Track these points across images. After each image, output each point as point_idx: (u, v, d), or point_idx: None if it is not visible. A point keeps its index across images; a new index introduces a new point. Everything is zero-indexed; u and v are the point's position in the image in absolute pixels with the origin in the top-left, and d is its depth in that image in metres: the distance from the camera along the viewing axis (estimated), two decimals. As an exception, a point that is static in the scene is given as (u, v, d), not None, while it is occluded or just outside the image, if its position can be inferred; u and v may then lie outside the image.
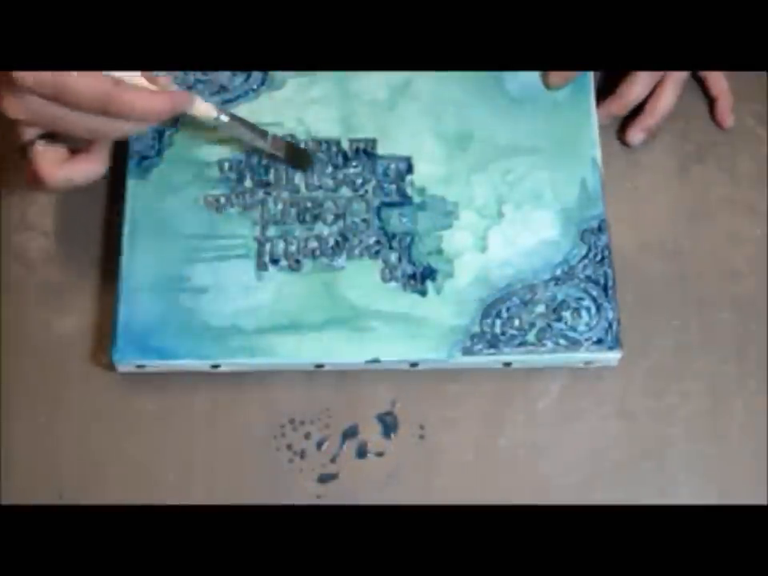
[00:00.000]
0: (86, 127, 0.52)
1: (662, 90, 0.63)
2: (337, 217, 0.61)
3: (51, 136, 0.54)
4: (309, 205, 0.61)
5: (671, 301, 0.61)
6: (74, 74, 0.50)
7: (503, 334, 0.58)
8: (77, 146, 0.55)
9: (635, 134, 0.64)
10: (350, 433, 0.59)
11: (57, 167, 0.54)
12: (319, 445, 0.58)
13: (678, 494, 0.57)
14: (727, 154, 0.65)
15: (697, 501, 0.57)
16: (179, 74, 0.62)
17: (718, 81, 0.65)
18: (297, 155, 0.61)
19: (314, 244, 0.60)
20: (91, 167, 0.55)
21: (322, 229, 0.60)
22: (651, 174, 0.64)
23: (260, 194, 0.61)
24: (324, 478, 0.58)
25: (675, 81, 0.63)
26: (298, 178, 0.62)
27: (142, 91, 0.52)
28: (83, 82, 0.50)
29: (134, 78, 0.53)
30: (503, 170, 0.61)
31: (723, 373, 0.60)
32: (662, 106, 0.63)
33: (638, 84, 0.63)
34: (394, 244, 0.60)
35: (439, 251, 0.60)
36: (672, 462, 0.58)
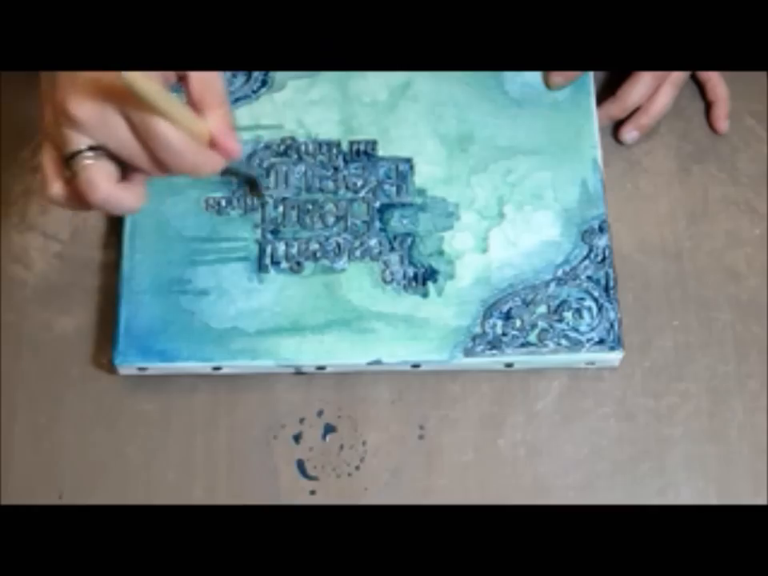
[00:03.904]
0: (147, 162, 0.50)
1: (658, 91, 0.63)
2: (338, 219, 0.61)
3: (98, 151, 0.50)
4: (309, 207, 0.61)
5: (671, 301, 0.61)
6: (164, 124, 0.48)
7: (505, 334, 0.58)
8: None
9: (629, 132, 0.64)
10: (350, 433, 0.59)
11: (111, 184, 0.50)
12: (319, 445, 0.58)
13: (678, 494, 0.57)
14: (727, 154, 0.65)
15: (697, 501, 0.57)
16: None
17: (716, 86, 0.65)
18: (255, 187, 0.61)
19: (314, 246, 0.60)
20: (138, 196, 0.52)
21: (322, 231, 0.60)
22: (651, 174, 0.64)
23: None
24: (324, 478, 0.58)
25: (672, 82, 0.63)
26: (299, 180, 0.62)
27: (208, 152, 0.50)
28: (173, 135, 0.48)
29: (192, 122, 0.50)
30: (504, 170, 0.61)
31: (723, 373, 0.60)
32: (657, 106, 0.63)
33: (638, 87, 0.63)
34: (395, 245, 0.60)
35: (440, 252, 0.60)
36: (672, 462, 0.58)
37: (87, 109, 0.48)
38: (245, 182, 0.61)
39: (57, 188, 0.51)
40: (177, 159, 0.49)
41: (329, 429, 0.59)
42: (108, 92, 0.48)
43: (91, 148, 0.49)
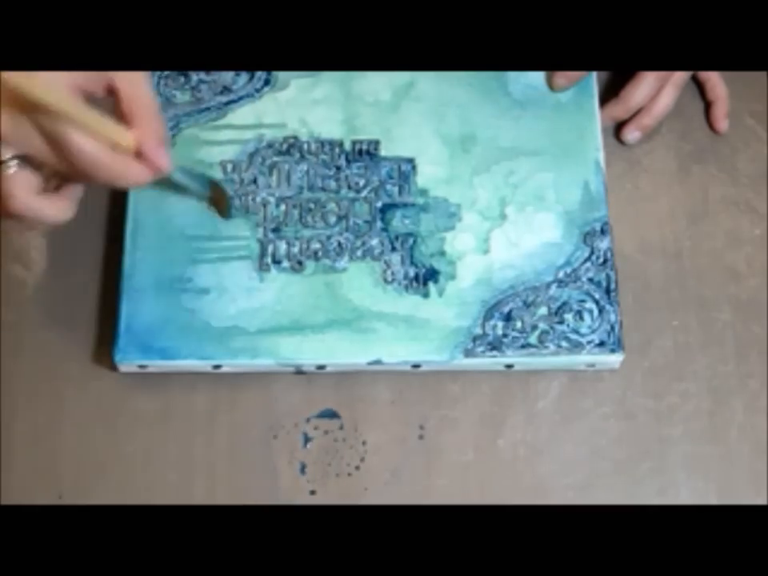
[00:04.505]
0: (69, 171, 0.50)
1: (661, 92, 0.63)
2: (339, 218, 0.61)
3: (23, 161, 0.51)
4: (311, 206, 0.61)
5: (671, 301, 0.61)
6: (77, 134, 0.48)
7: (505, 336, 0.58)
8: (47, 182, 0.52)
9: (631, 133, 0.64)
10: (349, 432, 0.59)
11: (30, 194, 0.51)
12: (318, 445, 0.58)
13: (678, 494, 0.58)
14: (727, 154, 0.65)
15: (696, 501, 0.57)
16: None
17: (715, 86, 0.65)
18: (222, 202, 0.61)
19: (316, 245, 0.60)
20: (62, 209, 0.52)
21: (324, 230, 0.60)
22: (651, 175, 0.64)
23: (263, 194, 0.61)
24: (323, 478, 0.58)
25: (675, 83, 0.63)
26: (301, 179, 0.62)
27: (131, 163, 0.51)
28: (87, 144, 0.49)
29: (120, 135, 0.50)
30: (506, 171, 0.61)
31: (723, 373, 0.60)
32: (660, 106, 0.64)
33: (642, 88, 0.63)
34: (397, 245, 0.60)
35: (442, 253, 0.60)
36: (672, 461, 0.58)
37: (1, 120, 0.48)
38: (210, 197, 0.60)
39: None
40: (92, 168, 0.50)
41: (328, 428, 0.59)
42: (23, 102, 0.48)
43: (16, 158, 0.50)
